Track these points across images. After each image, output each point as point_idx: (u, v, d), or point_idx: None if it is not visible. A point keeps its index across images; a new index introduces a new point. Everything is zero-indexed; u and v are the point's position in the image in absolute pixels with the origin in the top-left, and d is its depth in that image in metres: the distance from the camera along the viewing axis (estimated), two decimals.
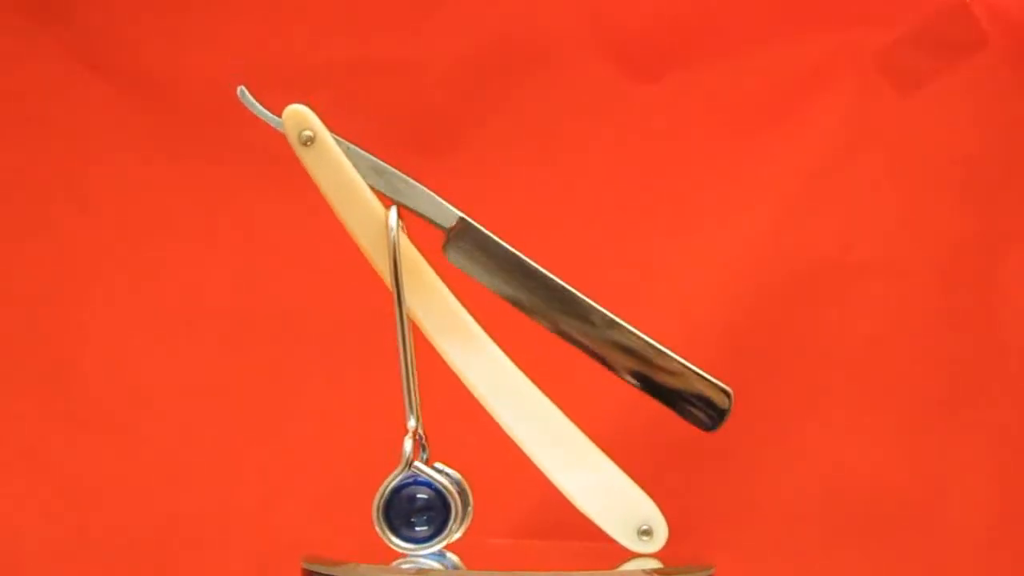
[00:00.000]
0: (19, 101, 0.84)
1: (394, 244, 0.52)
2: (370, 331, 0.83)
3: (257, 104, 0.53)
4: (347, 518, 0.81)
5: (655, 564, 0.51)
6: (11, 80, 0.84)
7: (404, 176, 0.54)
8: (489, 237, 0.54)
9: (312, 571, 0.52)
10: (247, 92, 0.53)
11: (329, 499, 0.81)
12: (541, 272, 0.53)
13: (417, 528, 0.52)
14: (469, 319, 0.53)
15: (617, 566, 0.51)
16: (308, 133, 0.52)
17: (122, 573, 0.81)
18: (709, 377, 0.53)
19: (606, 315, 0.53)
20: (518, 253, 0.54)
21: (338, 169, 0.53)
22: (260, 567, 0.81)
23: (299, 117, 0.52)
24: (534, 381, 0.53)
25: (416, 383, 0.54)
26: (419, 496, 0.52)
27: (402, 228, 0.54)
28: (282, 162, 0.84)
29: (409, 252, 0.53)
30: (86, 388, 0.83)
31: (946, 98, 0.84)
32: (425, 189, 0.54)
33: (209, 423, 0.83)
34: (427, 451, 0.54)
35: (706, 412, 0.53)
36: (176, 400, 0.83)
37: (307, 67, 0.84)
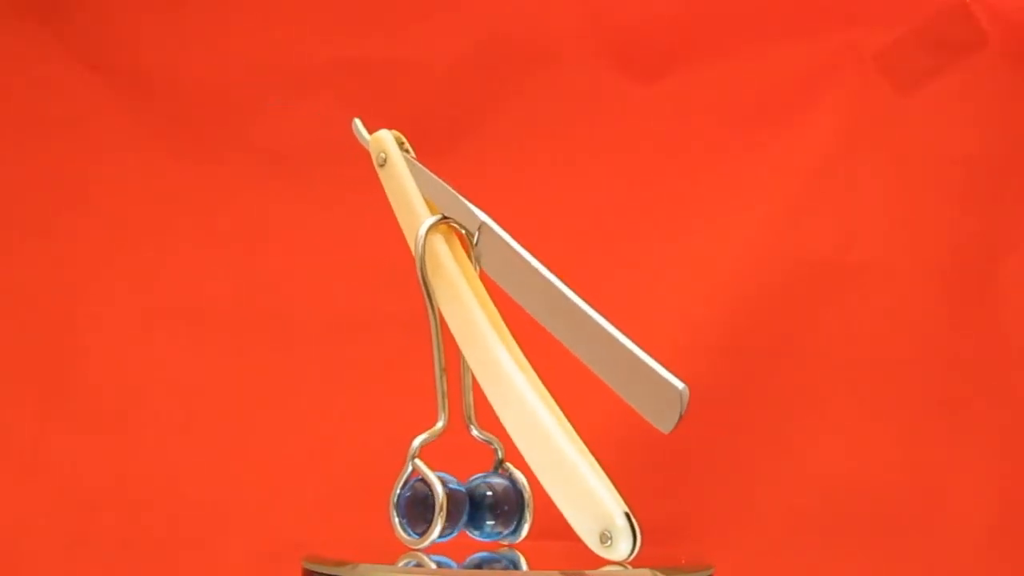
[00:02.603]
0: (19, 101, 0.84)
1: (421, 253, 0.55)
2: (370, 331, 0.83)
3: (367, 134, 0.58)
4: (347, 518, 0.81)
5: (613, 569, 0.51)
6: (11, 80, 0.84)
7: (445, 185, 0.56)
8: (500, 239, 0.54)
9: (312, 571, 0.52)
10: (360, 124, 0.58)
11: (329, 499, 0.81)
12: (533, 266, 0.54)
13: (433, 523, 0.54)
14: (486, 325, 0.54)
15: (617, 566, 0.51)
16: (383, 155, 0.57)
17: (122, 573, 0.81)
18: (663, 372, 0.50)
19: (575, 303, 0.53)
20: (521, 251, 0.54)
21: (400, 185, 0.57)
22: (260, 567, 0.81)
23: (379, 142, 0.57)
24: (544, 379, 0.54)
25: (471, 385, 0.56)
26: (433, 493, 0.54)
27: (463, 240, 0.56)
28: (282, 162, 0.85)
29: (447, 261, 0.55)
30: (86, 388, 0.83)
31: (946, 98, 0.84)
32: (458, 195, 0.56)
33: (209, 423, 0.83)
34: (502, 451, 0.55)
35: (660, 410, 0.50)
36: (176, 400, 0.83)
37: (307, 67, 0.84)
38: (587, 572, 0.50)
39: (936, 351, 0.83)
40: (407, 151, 0.57)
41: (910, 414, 0.83)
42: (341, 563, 0.51)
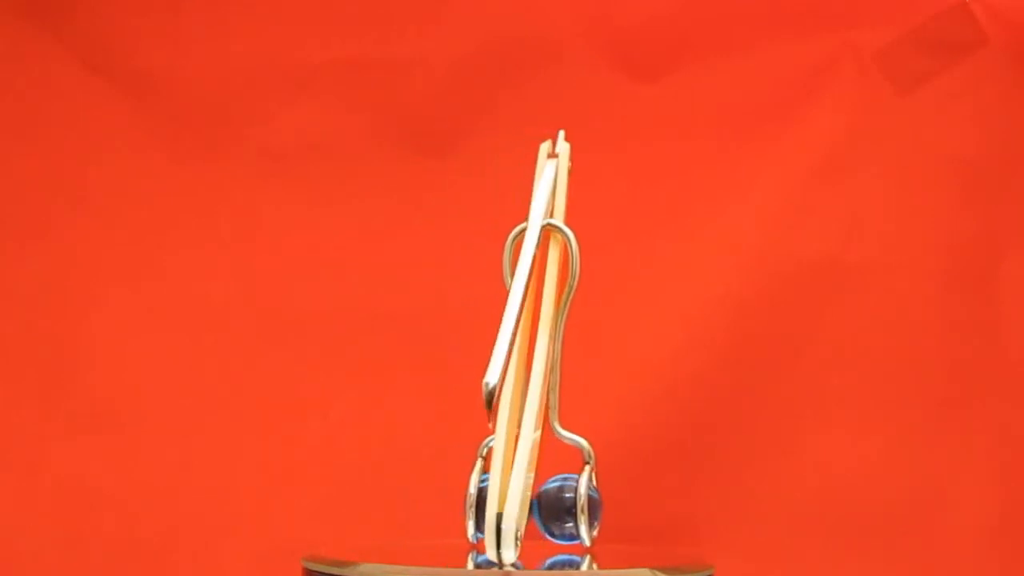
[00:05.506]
0: (19, 101, 0.84)
1: (508, 253, 0.57)
2: (371, 331, 0.83)
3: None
4: (348, 517, 0.81)
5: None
6: (11, 80, 0.84)
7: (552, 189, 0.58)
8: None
9: (312, 571, 0.52)
10: (563, 135, 0.60)
11: (330, 498, 0.81)
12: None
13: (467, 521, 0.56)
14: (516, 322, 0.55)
15: (617, 566, 0.51)
16: (537, 164, 0.59)
17: (122, 573, 0.81)
18: (493, 362, 0.50)
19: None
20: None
21: (534, 191, 0.59)
22: (260, 567, 0.81)
23: (539, 151, 0.60)
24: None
25: (556, 385, 0.57)
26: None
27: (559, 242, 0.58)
28: (282, 162, 0.85)
29: (523, 264, 0.56)
30: (86, 388, 0.83)
31: (946, 98, 0.84)
32: (544, 199, 0.58)
33: (210, 423, 0.82)
34: (587, 453, 0.56)
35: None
36: (177, 400, 0.83)
37: (307, 67, 0.84)
38: (542, 572, 0.51)
39: (936, 351, 0.83)
40: (555, 157, 0.59)
41: (910, 414, 0.83)
42: (341, 563, 0.51)
